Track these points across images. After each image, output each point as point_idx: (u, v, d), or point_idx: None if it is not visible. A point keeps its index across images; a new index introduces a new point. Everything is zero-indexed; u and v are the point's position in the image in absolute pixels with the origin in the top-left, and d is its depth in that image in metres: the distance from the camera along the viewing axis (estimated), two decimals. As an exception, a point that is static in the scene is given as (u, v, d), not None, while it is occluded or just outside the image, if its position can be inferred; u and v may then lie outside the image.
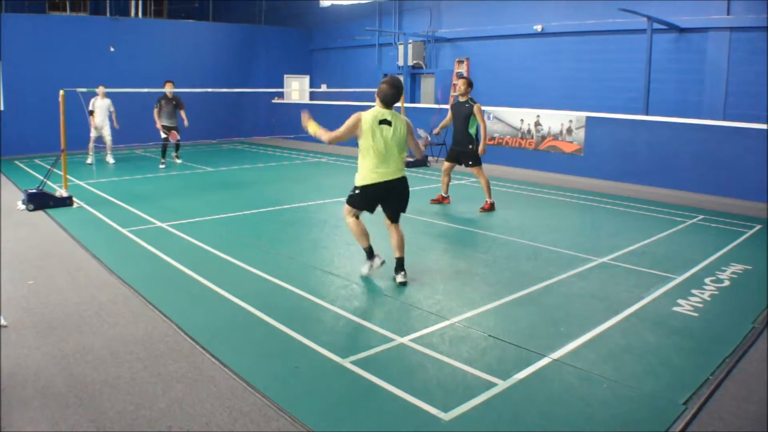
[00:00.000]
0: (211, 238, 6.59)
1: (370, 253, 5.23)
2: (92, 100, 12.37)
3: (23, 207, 8.12)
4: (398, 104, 9.71)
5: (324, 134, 5.03)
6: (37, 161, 13.29)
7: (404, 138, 5.04)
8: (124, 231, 6.96)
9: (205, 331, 4.13)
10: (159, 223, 7.34)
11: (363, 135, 4.94)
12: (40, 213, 7.91)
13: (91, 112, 12.31)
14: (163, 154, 12.71)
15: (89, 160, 12.73)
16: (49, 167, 9.12)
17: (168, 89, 12.32)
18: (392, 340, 4.00)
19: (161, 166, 12.48)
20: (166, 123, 12.28)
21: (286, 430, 2.95)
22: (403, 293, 4.94)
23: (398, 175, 5.06)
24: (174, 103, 12.31)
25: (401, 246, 5.14)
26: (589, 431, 3.00)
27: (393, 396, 3.28)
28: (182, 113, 12.50)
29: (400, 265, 5.13)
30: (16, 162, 13.14)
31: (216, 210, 8.17)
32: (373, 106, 5.04)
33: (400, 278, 5.08)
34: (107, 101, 12.56)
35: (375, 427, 3.00)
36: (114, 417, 3.04)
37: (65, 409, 3.10)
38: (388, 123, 4.93)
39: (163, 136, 12.34)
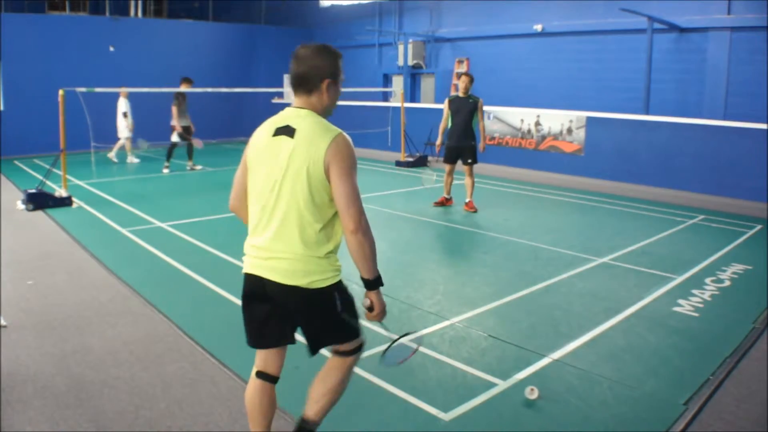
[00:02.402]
0: (211, 238, 6.59)
1: None
2: (122, 102, 12.70)
3: (23, 207, 8.11)
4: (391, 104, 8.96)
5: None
6: (36, 161, 13.28)
7: (316, 177, 2.23)
8: (124, 231, 6.96)
9: (205, 331, 4.13)
10: (159, 223, 7.34)
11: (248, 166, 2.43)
12: (39, 213, 7.91)
13: (125, 114, 12.68)
14: (170, 155, 11.90)
15: (133, 159, 13.14)
16: (48, 167, 9.12)
17: (185, 88, 11.58)
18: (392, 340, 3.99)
19: (165, 171, 11.84)
20: (185, 123, 11.61)
21: (286, 430, 2.95)
22: (403, 293, 4.94)
23: (279, 278, 2.29)
24: (187, 101, 11.75)
25: (312, 395, 2.56)
26: (589, 431, 3.00)
27: (393, 396, 3.28)
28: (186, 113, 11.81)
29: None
30: (16, 162, 13.14)
31: (216, 210, 8.16)
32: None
33: None
34: (126, 101, 12.94)
35: (375, 427, 3.00)
36: (114, 417, 3.04)
37: (65, 409, 3.10)
38: (289, 133, 2.29)
39: (176, 139, 11.63)
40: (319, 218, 2.27)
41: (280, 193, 2.26)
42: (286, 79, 20.27)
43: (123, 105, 12.78)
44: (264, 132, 2.38)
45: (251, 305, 2.41)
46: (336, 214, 2.30)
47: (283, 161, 2.26)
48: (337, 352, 2.50)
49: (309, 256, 2.27)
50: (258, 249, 2.32)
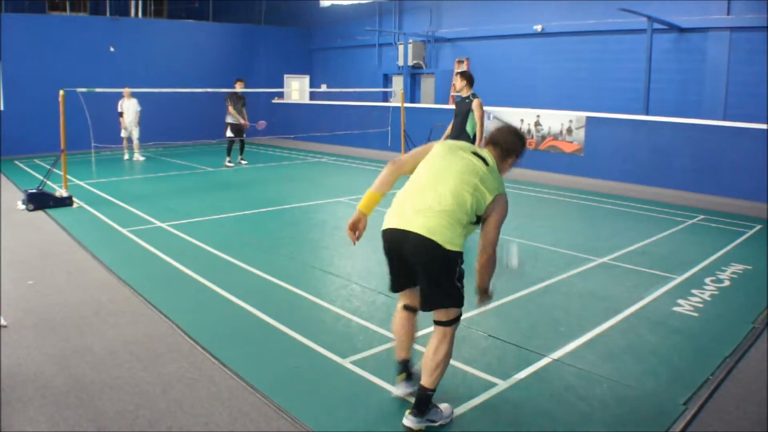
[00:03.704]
0: (211, 238, 6.59)
1: (402, 369, 3.25)
2: (120, 102, 13.11)
3: (23, 207, 8.12)
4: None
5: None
6: (37, 161, 13.28)
7: (477, 198, 2.88)
8: (124, 231, 6.96)
9: (205, 331, 4.13)
10: (159, 223, 7.34)
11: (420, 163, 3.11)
12: (40, 213, 7.91)
13: (120, 114, 13.13)
14: (229, 153, 12.78)
15: (126, 157, 13.70)
16: (48, 167, 9.12)
17: (239, 87, 12.48)
18: (392, 339, 4.00)
19: (236, 164, 12.82)
20: (233, 121, 12.45)
21: (286, 430, 2.95)
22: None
23: (423, 232, 2.82)
24: (243, 101, 12.61)
25: (426, 369, 2.97)
26: (589, 431, 3.00)
27: (393, 396, 3.28)
28: (244, 111, 12.68)
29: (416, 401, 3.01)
30: (16, 162, 13.13)
31: (216, 210, 8.17)
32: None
33: (406, 421, 2.97)
34: (134, 101, 13.23)
35: (375, 427, 3.00)
36: (114, 417, 3.04)
37: (65, 409, 3.10)
38: (484, 162, 2.96)
39: (230, 135, 12.47)
40: (462, 212, 2.86)
41: (454, 183, 2.89)
42: (287, 79, 20.31)
43: (119, 105, 13.12)
44: (461, 146, 3.08)
45: (392, 261, 3.03)
46: (471, 224, 2.94)
47: (471, 170, 2.92)
48: (439, 323, 2.97)
49: (452, 225, 2.83)
50: (413, 207, 2.90)
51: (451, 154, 3.01)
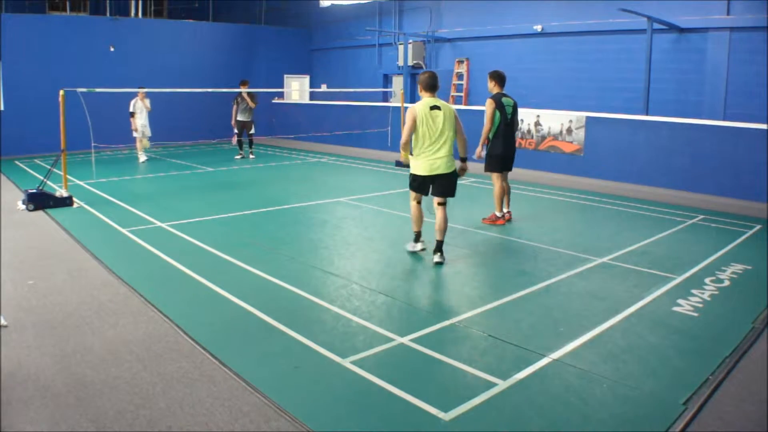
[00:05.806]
0: (211, 238, 6.59)
1: (418, 237, 6.11)
2: (133, 102, 13.10)
3: (23, 207, 8.12)
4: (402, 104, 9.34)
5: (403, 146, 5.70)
6: (37, 161, 13.29)
7: (453, 123, 5.61)
8: (124, 231, 6.96)
9: (205, 331, 4.13)
10: (159, 223, 7.34)
11: (417, 125, 5.53)
12: (40, 213, 7.91)
13: (132, 114, 13.13)
14: (240, 146, 14.18)
15: (142, 159, 13.55)
16: (49, 167, 9.12)
17: (244, 89, 13.51)
18: (392, 340, 4.01)
19: (237, 157, 14.01)
20: (241, 118, 13.72)
21: (286, 430, 2.96)
22: (403, 293, 4.94)
23: (446, 170, 5.59)
24: (247, 99, 13.55)
25: (441, 229, 5.75)
26: (589, 431, 3.00)
27: (393, 396, 3.28)
28: (248, 105, 13.64)
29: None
30: (16, 162, 13.14)
31: (216, 210, 8.17)
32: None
33: (437, 257, 5.74)
34: (147, 102, 13.22)
35: (375, 427, 3.00)
36: (114, 417, 3.04)
37: (65, 409, 3.10)
38: (439, 109, 5.54)
39: (236, 131, 13.86)
40: (453, 141, 5.66)
41: (442, 133, 5.55)
42: (287, 79, 20.33)
43: (131, 105, 13.12)
44: (424, 108, 5.54)
45: (424, 183, 5.69)
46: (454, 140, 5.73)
47: (441, 120, 5.55)
48: (443, 204, 5.73)
49: (451, 157, 5.65)
50: (431, 159, 5.56)
51: (429, 120, 5.52)
